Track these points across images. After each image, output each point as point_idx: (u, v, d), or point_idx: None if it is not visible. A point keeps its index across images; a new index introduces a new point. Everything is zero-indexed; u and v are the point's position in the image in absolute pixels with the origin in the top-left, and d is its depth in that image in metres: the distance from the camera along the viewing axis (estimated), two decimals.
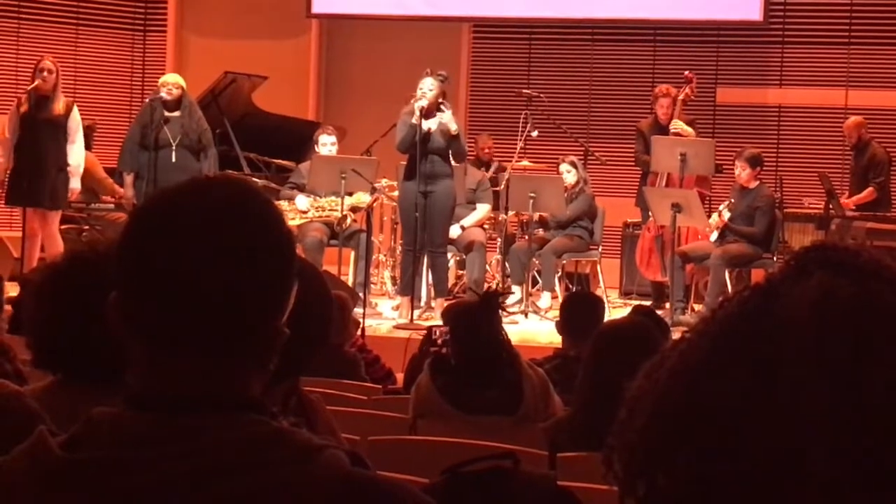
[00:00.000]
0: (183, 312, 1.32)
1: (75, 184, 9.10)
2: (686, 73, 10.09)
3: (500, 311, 4.08)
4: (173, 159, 8.93)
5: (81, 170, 9.15)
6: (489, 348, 3.93)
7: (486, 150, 10.98)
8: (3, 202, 9.31)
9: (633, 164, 10.29)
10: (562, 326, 5.19)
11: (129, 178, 9.18)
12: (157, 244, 1.34)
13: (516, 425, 3.81)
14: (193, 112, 9.12)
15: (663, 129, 9.80)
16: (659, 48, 11.66)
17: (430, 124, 8.50)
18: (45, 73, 9.03)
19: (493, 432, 3.64)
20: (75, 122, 9.10)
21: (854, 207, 9.91)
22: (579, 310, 5.12)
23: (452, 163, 8.75)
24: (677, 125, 9.68)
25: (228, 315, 1.33)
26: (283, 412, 2.16)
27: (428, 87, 8.51)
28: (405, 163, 8.72)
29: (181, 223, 1.35)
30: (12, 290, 5.25)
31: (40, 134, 8.95)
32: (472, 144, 10.83)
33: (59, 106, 9.03)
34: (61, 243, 8.83)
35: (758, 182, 9.28)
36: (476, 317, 3.97)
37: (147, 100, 9.51)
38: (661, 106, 9.85)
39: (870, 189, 9.99)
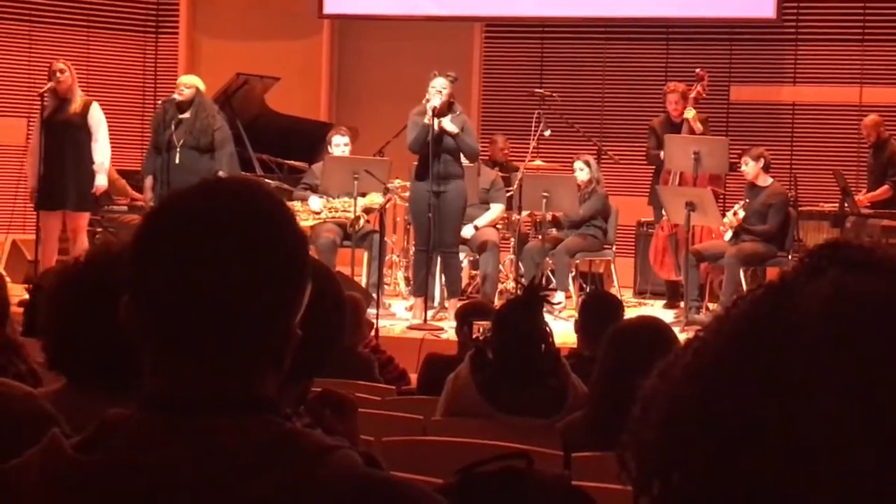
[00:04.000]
0: (194, 314, 1.32)
1: (101, 181, 9.10)
2: (698, 70, 10.08)
3: (544, 306, 4.03)
4: (177, 161, 8.94)
5: (107, 166, 9.16)
6: (531, 345, 3.85)
7: (503, 151, 10.95)
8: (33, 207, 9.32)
9: (646, 162, 10.29)
10: (579, 326, 5.18)
11: (148, 182, 9.22)
12: (168, 247, 1.35)
13: (554, 428, 3.63)
14: (201, 112, 9.09)
15: (675, 127, 9.80)
16: (672, 46, 11.64)
17: (441, 124, 8.50)
18: (59, 74, 9.06)
19: (531, 435, 3.53)
20: (95, 120, 9.10)
21: (869, 205, 9.88)
22: (599, 311, 5.10)
23: (465, 162, 8.76)
24: (690, 113, 9.67)
25: (241, 317, 1.33)
26: (297, 413, 2.16)
27: (440, 87, 8.51)
28: (417, 163, 8.73)
29: (191, 225, 1.35)
30: (23, 292, 5.26)
31: (59, 136, 8.98)
32: (488, 146, 10.83)
33: (75, 105, 9.06)
34: (86, 244, 8.83)
35: (770, 179, 9.27)
36: (519, 311, 3.93)
37: (160, 102, 9.54)
38: (670, 102, 9.87)
39: (885, 187, 9.96)
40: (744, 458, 0.93)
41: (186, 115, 9.10)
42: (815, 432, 0.92)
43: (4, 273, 7.49)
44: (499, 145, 10.99)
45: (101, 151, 9.08)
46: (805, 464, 0.91)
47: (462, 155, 8.69)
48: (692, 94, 9.83)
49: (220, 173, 8.53)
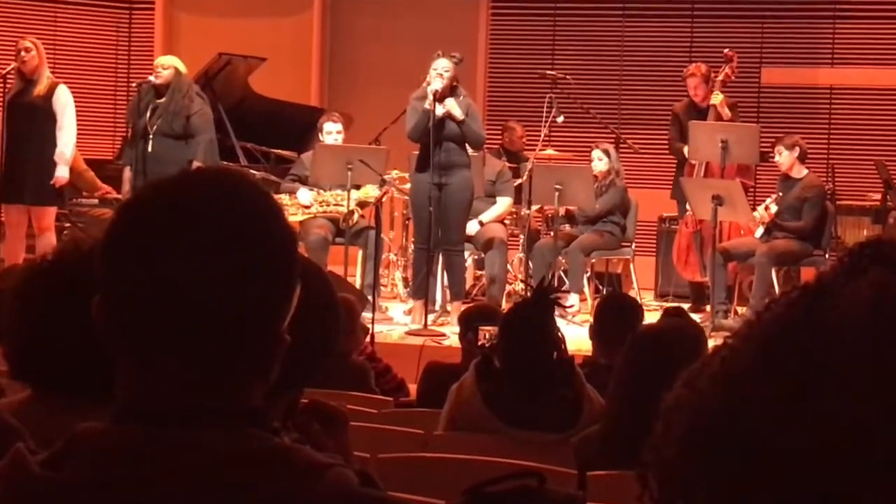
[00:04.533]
0: (170, 318, 1.33)
1: (61, 172, 9.01)
2: (726, 51, 10.08)
3: (555, 310, 4.03)
4: (150, 149, 8.95)
5: (70, 155, 9.13)
6: (542, 352, 3.86)
7: (519, 139, 10.90)
8: None
9: (668, 152, 10.29)
10: (595, 332, 5.18)
11: (126, 173, 9.23)
12: (141, 241, 1.35)
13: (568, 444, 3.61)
14: (177, 93, 9.09)
15: (701, 113, 9.79)
16: (697, 24, 11.64)
17: (447, 108, 8.50)
18: (24, 53, 9.07)
19: (543, 451, 3.54)
20: (61, 104, 9.07)
21: None
22: (616, 316, 5.10)
23: (470, 151, 8.76)
24: (717, 97, 9.66)
25: (222, 319, 1.33)
26: (285, 427, 2.17)
27: (443, 69, 8.51)
28: (417, 152, 8.73)
29: (166, 218, 1.35)
30: None
31: (22, 120, 8.98)
32: (496, 135, 10.82)
33: (40, 88, 9.05)
34: (54, 241, 8.81)
35: (806, 171, 9.28)
36: (529, 315, 3.93)
37: (135, 84, 9.54)
38: (692, 86, 9.87)
39: None
40: (775, 473, 0.93)
41: (163, 99, 9.10)
42: (855, 445, 0.92)
43: None
44: (517, 133, 10.93)
45: (65, 140, 9.02)
46: (844, 478, 0.92)
47: (467, 142, 8.69)
48: (720, 77, 9.83)
49: (196, 163, 8.54)
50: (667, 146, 10.28)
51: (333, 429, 2.24)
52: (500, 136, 10.96)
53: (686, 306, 9.86)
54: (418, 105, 8.56)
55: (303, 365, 2.01)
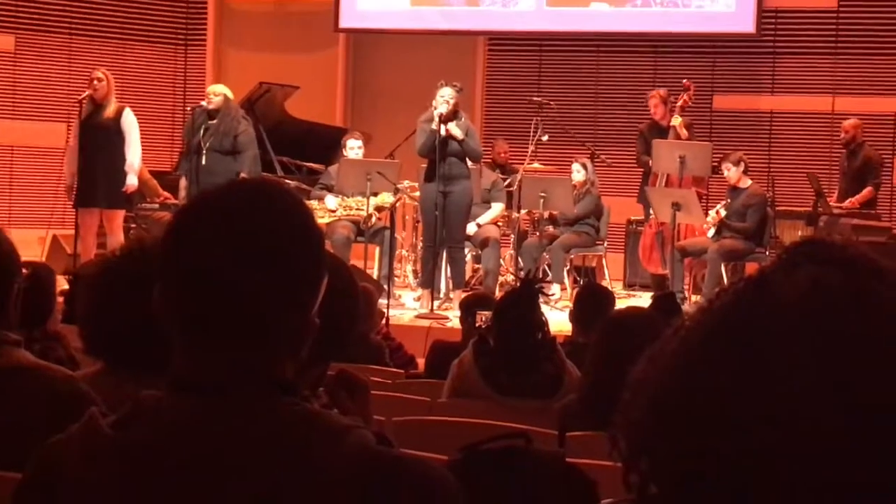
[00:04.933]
0: (218, 304, 1.33)
1: (131, 181, 9.02)
2: (684, 81, 10.10)
3: (541, 298, 4.02)
4: (204, 162, 8.97)
5: (137, 166, 9.14)
6: (529, 332, 3.84)
7: (503, 154, 10.94)
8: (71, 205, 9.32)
9: (635, 165, 10.28)
10: (574, 316, 5.17)
11: (182, 183, 9.28)
12: (195, 239, 1.35)
13: (551, 409, 3.62)
14: (225, 117, 9.10)
15: (661, 131, 9.83)
16: (659, 59, 11.62)
17: (448, 129, 8.49)
18: (96, 82, 9.08)
19: (529, 416, 3.52)
20: (127, 124, 9.07)
21: (858, 206, 9.79)
22: (591, 302, 5.09)
23: (469, 164, 8.76)
24: (677, 120, 9.70)
25: (262, 305, 1.33)
26: (315, 395, 2.17)
27: (448, 96, 8.51)
28: (425, 166, 8.72)
29: (217, 220, 1.35)
30: (64, 284, 5.27)
31: (94, 138, 8.98)
32: (490, 150, 10.81)
33: (109, 111, 9.05)
34: (122, 239, 8.81)
35: (749, 181, 9.29)
36: (518, 302, 3.93)
37: (191, 109, 9.55)
38: (651, 106, 10.04)
39: (869, 188, 9.92)
40: (724, 438, 0.93)
41: (214, 121, 9.11)
42: (790, 416, 0.92)
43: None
44: (498, 149, 10.97)
45: (133, 154, 9.04)
46: (781, 445, 0.91)
47: (467, 157, 8.68)
48: (679, 103, 9.85)
49: (242, 174, 8.57)
50: (634, 160, 10.28)
51: (357, 395, 2.24)
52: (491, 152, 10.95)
53: (649, 295, 9.89)
54: (426, 126, 8.55)
55: (330, 343, 2.01)
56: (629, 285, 10.23)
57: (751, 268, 8.86)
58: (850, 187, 9.98)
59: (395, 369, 5.21)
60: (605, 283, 9.10)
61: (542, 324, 3.91)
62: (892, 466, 0.90)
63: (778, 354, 0.93)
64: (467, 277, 9.57)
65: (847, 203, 9.80)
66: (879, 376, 0.92)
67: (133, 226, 9.87)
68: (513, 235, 9.76)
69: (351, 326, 2.28)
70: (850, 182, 10.03)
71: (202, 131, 9.08)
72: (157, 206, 10.21)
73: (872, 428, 0.90)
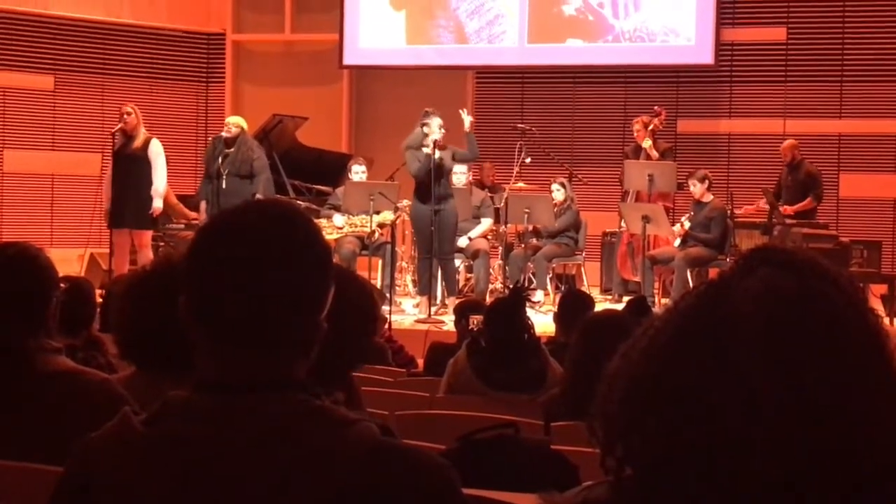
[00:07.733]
0: (238, 311, 1.32)
1: (157, 204, 9.02)
2: (655, 107, 10.14)
3: (526, 303, 4.02)
4: (224, 186, 8.97)
5: (162, 191, 9.14)
6: (517, 333, 3.85)
7: (490, 176, 10.93)
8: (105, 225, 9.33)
9: (610, 183, 10.27)
10: (557, 318, 5.17)
11: (202, 205, 9.26)
12: (216, 254, 1.35)
13: (537, 402, 3.64)
14: (242, 146, 9.12)
15: (644, 151, 9.90)
16: (629, 88, 11.64)
17: (440, 155, 8.50)
18: (126, 116, 9.10)
19: (518, 408, 3.52)
20: (154, 153, 9.07)
21: (793, 213, 9.88)
22: (573, 306, 5.09)
23: (455, 182, 8.77)
24: (647, 142, 9.76)
25: (277, 312, 1.33)
26: (329, 395, 2.16)
27: (440, 126, 8.52)
28: (416, 187, 8.72)
29: (236, 237, 1.35)
30: (99, 297, 5.26)
31: (125, 166, 8.99)
32: (478, 171, 10.82)
33: (138, 142, 9.05)
34: (151, 256, 8.82)
35: (711, 196, 9.31)
36: (507, 307, 3.93)
37: (211, 138, 9.55)
38: (634, 130, 10.02)
39: (809, 199, 9.98)
40: (689, 425, 0.93)
41: (232, 149, 9.12)
42: (747, 404, 0.92)
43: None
44: (485, 172, 10.97)
45: (159, 180, 9.05)
46: (739, 431, 0.91)
47: (469, 155, 8.80)
48: (650, 127, 9.88)
49: (258, 196, 8.57)
50: (608, 179, 10.29)
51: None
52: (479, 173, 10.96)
53: (627, 298, 9.89)
54: (419, 154, 8.53)
55: (350, 349, 2.00)
56: (605, 290, 10.21)
57: (713, 273, 8.86)
58: (794, 198, 10.05)
59: (397, 369, 5.20)
60: (583, 289, 9.10)
61: (528, 326, 3.92)
62: (835, 451, 0.90)
63: (736, 350, 0.94)
64: (460, 285, 9.56)
65: (783, 209, 9.88)
66: (825, 368, 0.92)
67: (161, 244, 9.86)
68: (501, 247, 9.76)
69: (365, 324, 2.28)
70: (792, 194, 10.09)
71: (221, 159, 9.08)
72: (182, 226, 10.20)
73: (818, 416, 0.90)
